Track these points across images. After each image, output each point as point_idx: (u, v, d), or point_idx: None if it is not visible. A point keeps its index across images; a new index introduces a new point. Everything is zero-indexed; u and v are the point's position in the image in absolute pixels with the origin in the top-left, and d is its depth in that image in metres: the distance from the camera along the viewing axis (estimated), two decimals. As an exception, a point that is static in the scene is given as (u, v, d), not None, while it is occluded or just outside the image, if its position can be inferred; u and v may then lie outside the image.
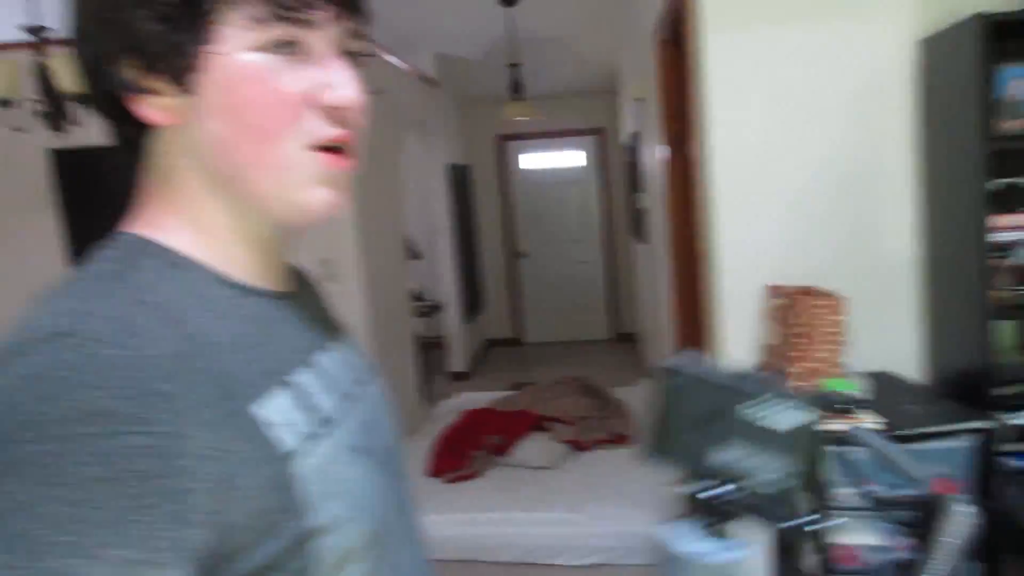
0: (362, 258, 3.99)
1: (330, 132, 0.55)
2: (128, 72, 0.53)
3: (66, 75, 2.47)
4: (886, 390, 1.97)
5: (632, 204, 5.82)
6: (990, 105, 1.78)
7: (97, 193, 3.74)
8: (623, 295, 7.39)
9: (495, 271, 7.50)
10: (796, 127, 2.14)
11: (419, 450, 4.04)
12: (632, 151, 5.41)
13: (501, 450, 3.89)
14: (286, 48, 0.54)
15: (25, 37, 2.66)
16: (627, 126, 5.74)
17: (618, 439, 4.08)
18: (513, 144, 7.36)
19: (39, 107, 2.63)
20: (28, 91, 2.72)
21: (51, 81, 2.56)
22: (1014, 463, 1.80)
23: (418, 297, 6.54)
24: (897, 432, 1.71)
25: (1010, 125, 1.79)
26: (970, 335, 1.84)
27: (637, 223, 5.52)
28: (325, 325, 0.69)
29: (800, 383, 1.95)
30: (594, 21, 5.33)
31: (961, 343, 1.91)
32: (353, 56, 0.58)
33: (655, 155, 3.76)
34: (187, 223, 0.57)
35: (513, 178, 7.41)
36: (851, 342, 2.16)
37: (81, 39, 0.55)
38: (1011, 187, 1.88)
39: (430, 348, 6.95)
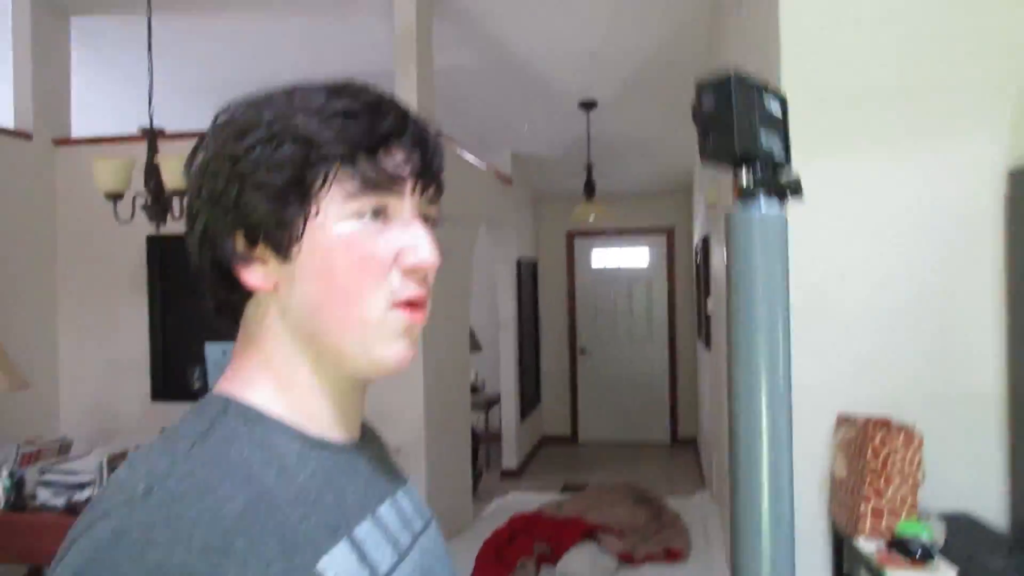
0: (426, 352, 4.01)
1: (411, 291, 0.60)
2: (238, 244, 0.59)
3: (172, 173, 2.64)
4: (964, 536, 1.81)
5: (700, 307, 5.73)
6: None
7: (182, 278, 3.90)
8: (684, 399, 7.19)
9: (556, 367, 7.44)
10: (876, 252, 2.08)
11: (466, 553, 3.92)
12: (703, 254, 5.36)
13: (549, 559, 3.73)
14: (375, 216, 0.59)
15: (139, 134, 2.86)
16: (698, 228, 5.72)
17: (671, 555, 3.87)
18: (583, 240, 7.42)
19: (145, 200, 2.81)
20: (137, 184, 2.92)
21: (159, 178, 2.74)
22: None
23: (475, 389, 6.51)
24: (981, 590, 1.55)
25: (1106, 262, 1.69)
26: (1064, 485, 1.69)
27: (704, 327, 5.41)
28: (387, 473, 0.71)
29: (871, 523, 1.81)
30: (669, 124, 5.42)
31: (1054, 492, 1.75)
32: (429, 220, 0.64)
33: (723, 261, 3.71)
34: (271, 379, 0.61)
35: (580, 274, 7.43)
36: (928, 480, 2.02)
37: (196, 214, 0.61)
38: (1109, 327, 1.75)
39: (485, 443, 6.86)
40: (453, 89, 5.10)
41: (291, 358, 0.61)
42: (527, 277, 6.80)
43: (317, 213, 0.58)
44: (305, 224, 0.58)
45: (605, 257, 7.43)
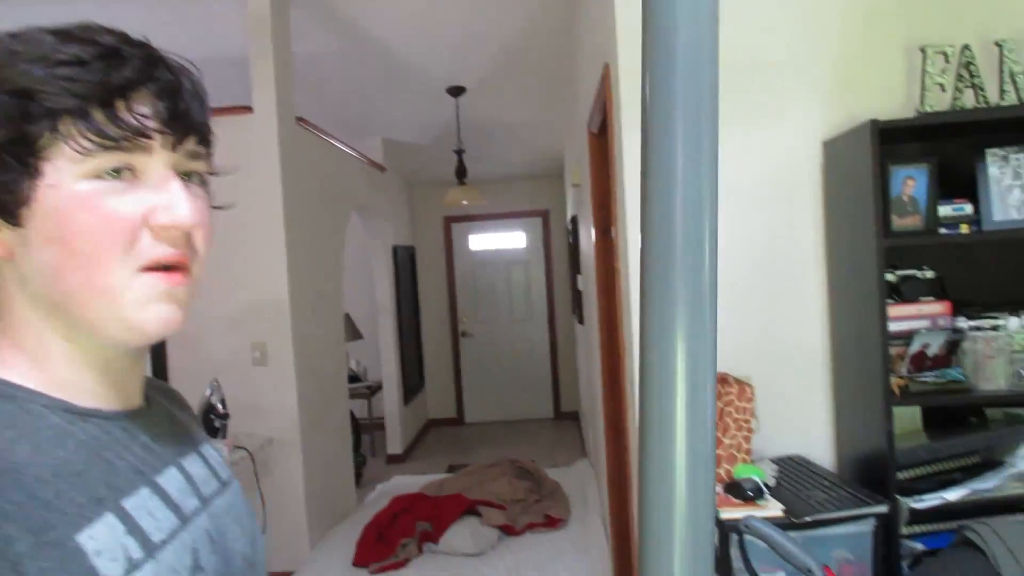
0: (297, 341, 3.94)
1: (161, 252, 0.56)
2: None
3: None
4: (795, 476, 2.00)
5: (575, 286, 5.92)
6: (885, 203, 1.89)
7: None
8: (565, 375, 7.41)
9: (439, 351, 7.47)
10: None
11: (348, 538, 3.91)
12: (573, 234, 5.53)
13: (430, 537, 3.78)
14: (117, 174, 0.55)
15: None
16: (569, 209, 5.89)
17: (551, 522, 4.01)
18: (461, 226, 7.46)
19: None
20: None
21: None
22: (917, 546, 1.82)
23: (357, 378, 6.45)
24: (797, 519, 1.72)
25: (903, 222, 1.89)
26: (872, 421, 1.89)
27: (577, 304, 5.59)
28: (174, 437, 0.68)
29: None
30: (539, 110, 5.54)
31: (864, 429, 1.95)
32: (194, 176, 0.60)
33: (588, 239, 3.86)
34: (22, 352, 0.57)
35: (459, 259, 7.48)
36: (764, 427, 2.21)
37: None
38: (907, 279, 1.97)
39: (368, 430, 6.81)
40: (318, 75, 5.00)
41: (40, 329, 0.57)
42: (405, 263, 6.78)
43: (43, 174, 0.53)
44: (32, 186, 0.53)
45: (483, 241, 7.51)
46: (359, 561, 3.62)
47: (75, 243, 0.53)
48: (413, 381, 6.81)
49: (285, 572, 3.77)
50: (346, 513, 4.53)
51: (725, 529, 1.77)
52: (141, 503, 0.56)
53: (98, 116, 0.53)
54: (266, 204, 3.87)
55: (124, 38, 0.56)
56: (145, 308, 0.56)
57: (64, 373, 0.58)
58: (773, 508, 1.79)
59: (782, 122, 2.20)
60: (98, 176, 0.54)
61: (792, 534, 1.77)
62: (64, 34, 0.54)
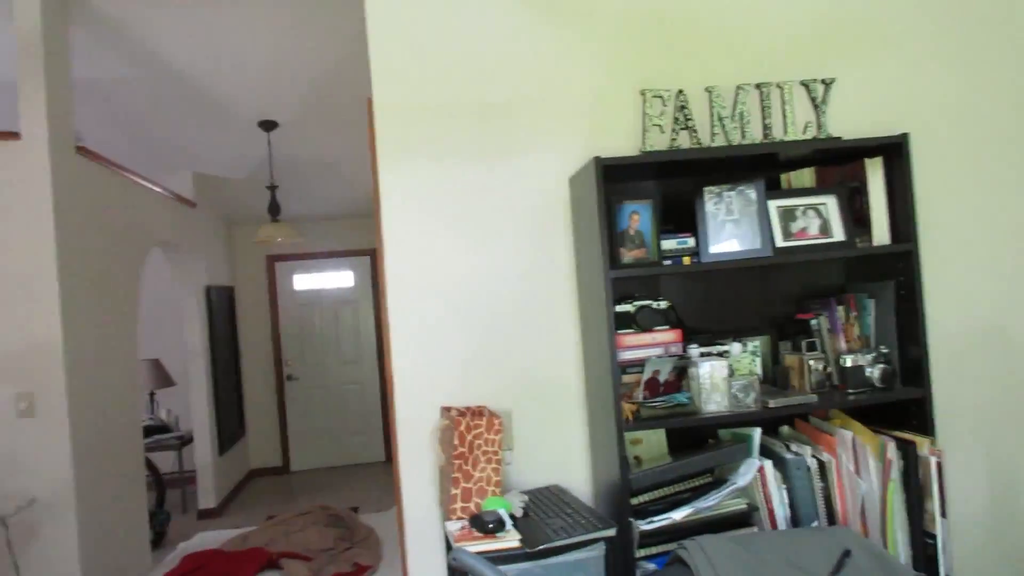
0: (73, 390, 3.60)
1: None
2: None
3: None
4: (545, 505, 2.02)
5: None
6: (612, 236, 1.98)
7: None
8: (397, 417, 7.28)
9: (262, 396, 7.12)
10: (470, 252, 2.25)
11: (131, 604, 3.57)
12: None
13: (223, 596, 3.53)
14: None
15: None
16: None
17: (359, 570, 3.86)
18: (285, 265, 7.21)
19: None
20: None
21: None
22: (650, 567, 1.88)
23: (166, 428, 6.01)
24: (531, 548, 1.73)
25: (632, 254, 1.99)
26: (611, 447, 1.95)
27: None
28: None
29: (461, 505, 1.94)
30: (356, 147, 5.48)
31: (607, 455, 2.01)
32: None
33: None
34: None
35: (283, 299, 7.21)
36: (526, 459, 2.23)
37: None
38: (642, 308, 2.07)
39: (179, 484, 6.34)
40: (117, 105, 4.71)
41: None
42: (222, 304, 6.44)
43: None
44: None
45: (309, 281, 7.30)
46: (137, 630, 3.31)
47: None
48: (231, 429, 6.43)
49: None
50: (138, 577, 4.15)
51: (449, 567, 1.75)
52: None
53: None
54: (35, 239, 3.54)
55: None
56: None
57: None
58: (511, 539, 1.79)
59: (537, 157, 2.27)
60: None
61: (529, 564, 1.78)
62: None
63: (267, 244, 6.80)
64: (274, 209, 5.32)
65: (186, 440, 5.97)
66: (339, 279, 7.33)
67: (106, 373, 4.03)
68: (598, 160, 1.88)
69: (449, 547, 2.15)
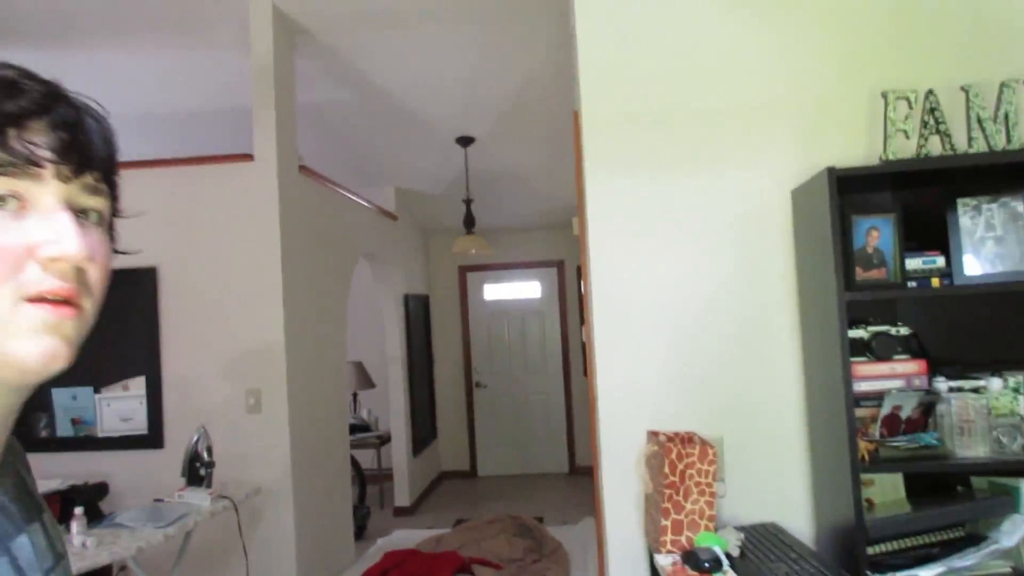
0: (292, 388, 3.91)
1: (49, 284, 0.54)
2: None
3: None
4: (763, 546, 1.86)
5: (581, 337, 5.82)
6: (847, 254, 1.79)
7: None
8: (581, 428, 7.25)
9: (452, 401, 7.38)
10: (679, 269, 2.15)
11: (336, 593, 3.81)
12: (579, 284, 5.46)
13: (419, 596, 3.66)
14: (3, 202, 0.53)
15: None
16: (575, 259, 5.83)
17: (547, 586, 3.85)
18: (476, 275, 7.44)
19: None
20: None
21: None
22: (887, 632, 1.67)
23: (367, 428, 6.39)
24: (752, 595, 1.59)
25: (868, 274, 1.79)
26: (842, 488, 1.76)
27: (584, 356, 5.49)
28: (24, 503, 0.64)
29: (672, 537, 1.84)
30: (549, 159, 5.54)
31: (836, 497, 1.82)
32: (89, 212, 0.59)
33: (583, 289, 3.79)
34: None
35: (473, 308, 7.44)
36: (738, 492, 2.08)
37: None
38: (879, 335, 1.85)
39: (376, 481, 6.71)
40: (328, 125, 5.09)
41: None
42: (418, 312, 6.75)
43: None
44: None
45: (498, 291, 7.47)
46: (343, 620, 3.51)
47: None
48: (424, 432, 6.72)
49: (270, 628, 3.67)
50: (343, 567, 4.42)
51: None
52: (21, 549, 0.56)
53: None
54: (264, 250, 3.89)
55: (26, 73, 0.57)
56: (28, 340, 0.53)
57: None
58: (729, 581, 1.66)
59: (755, 168, 2.12)
60: None
61: (749, 611, 1.64)
62: None
63: (464, 255, 7.05)
64: (469, 222, 5.48)
65: (384, 439, 6.31)
66: (527, 290, 7.43)
67: (319, 374, 4.34)
68: (831, 171, 1.71)
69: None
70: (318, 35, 3.99)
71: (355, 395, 6.59)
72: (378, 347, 6.89)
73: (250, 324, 3.89)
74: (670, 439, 1.91)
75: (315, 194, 4.43)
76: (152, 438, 3.93)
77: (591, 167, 2.16)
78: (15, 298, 0.53)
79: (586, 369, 5.15)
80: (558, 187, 6.09)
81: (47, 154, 0.54)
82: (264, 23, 3.81)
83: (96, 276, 0.58)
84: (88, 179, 0.58)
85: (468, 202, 5.50)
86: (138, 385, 3.97)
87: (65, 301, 0.55)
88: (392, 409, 6.13)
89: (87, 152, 0.57)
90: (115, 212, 0.62)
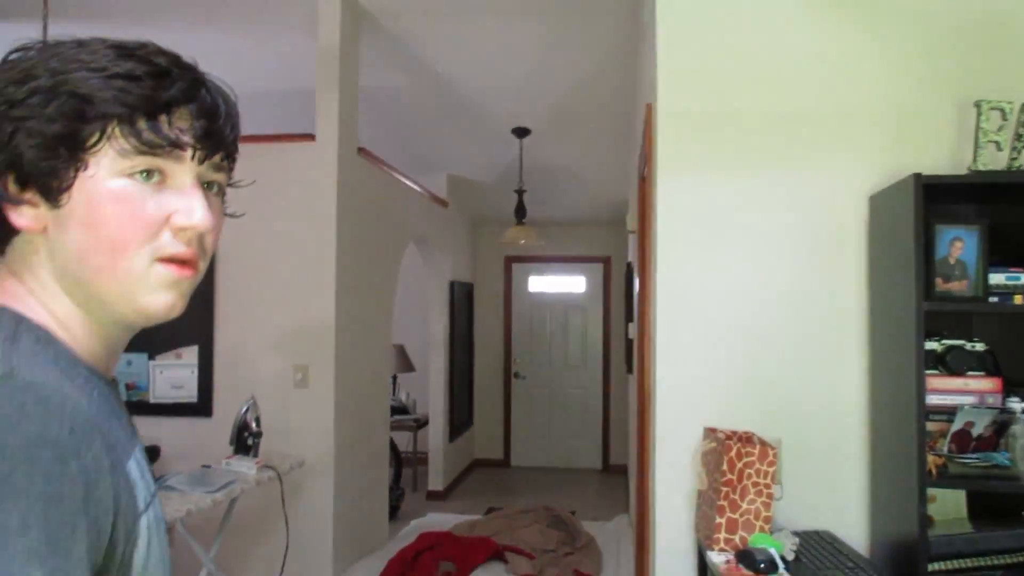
0: (339, 366, 3.96)
1: (177, 248, 0.65)
2: (9, 185, 0.62)
3: None
4: (817, 553, 1.84)
5: (627, 334, 5.79)
6: (928, 264, 1.75)
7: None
8: (617, 427, 7.22)
9: (490, 390, 7.41)
10: (745, 271, 2.13)
11: (372, 573, 3.85)
12: (628, 281, 5.43)
13: (453, 579, 3.69)
14: (148, 176, 0.63)
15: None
16: (628, 256, 5.80)
17: (579, 579, 3.85)
18: (521, 266, 7.45)
19: None
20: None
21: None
22: (947, 650, 1.64)
23: (405, 410, 6.45)
24: (811, 601, 1.58)
25: (948, 286, 1.75)
26: (905, 502, 1.73)
27: (629, 353, 5.46)
28: (132, 424, 0.74)
29: (725, 535, 1.83)
30: (604, 155, 5.52)
31: (897, 509, 1.79)
32: (214, 186, 0.69)
33: (637, 286, 3.77)
34: (48, 313, 0.65)
35: (517, 299, 7.46)
36: (792, 497, 2.06)
37: None
38: (953, 349, 1.82)
39: (411, 464, 6.78)
40: (387, 109, 5.13)
41: (62, 296, 0.65)
42: (462, 299, 6.79)
43: (87, 167, 0.61)
44: (76, 175, 0.61)
45: (542, 284, 7.47)
46: (378, 596, 3.56)
47: (103, 230, 0.62)
48: (461, 418, 6.76)
49: (307, 598, 3.74)
50: (376, 545, 4.48)
51: (728, 603, 1.64)
52: (140, 455, 0.66)
53: (142, 125, 0.62)
54: (321, 228, 3.94)
55: (175, 60, 0.66)
56: (155, 293, 0.65)
57: (81, 337, 0.66)
58: (785, 586, 1.64)
59: (829, 173, 2.09)
60: (131, 175, 0.63)
61: (804, 617, 1.63)
62: (123, 50, 0.64)
63: (512, 245, 7.07)
64: (520, 212, 5.49)
65: (421, 423, 6.37)
66: (572, 284, 7.43)
67: (365, 354, 4.39)
68: (918, 178, 1.68)
69: (704, 572, 2.05)
70: (382, 20, 4.02)
71: (395, 377, 6.66)
72: (420, 331, 6.95)
73: (302, 301, 3.95)
74: (729, 437, 1.90)
75: (371, 176, 4.48)
76: (202, 406, 4.02)
77: (664, 161, 2.14)
78: (150, 259, 0.64)
79: (630, 366, 5.13)
80: (609, 183, 6.06)
81: (190, 139, 0.64)
82: (332, 6, 3.85)
83: (210, 241, 0.69)
84: (216, 159, 0.68)
85: (520, 192, 5.51)
86: (191, 354, 4.07)
87: (187, 263, 0.66)
88: (432, 393, 6.18)
89: (220, 137, 0.67)
90: (229, 182, 0.73)
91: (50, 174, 0.61)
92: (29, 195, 0.62)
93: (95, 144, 0.61)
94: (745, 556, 1.72)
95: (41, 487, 0.51)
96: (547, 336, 7.40)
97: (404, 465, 6.41)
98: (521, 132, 5.29)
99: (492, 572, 3.69)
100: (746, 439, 1.95)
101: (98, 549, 0.55)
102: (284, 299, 3.96)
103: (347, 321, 4.10)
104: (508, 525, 4.40)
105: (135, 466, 0.63)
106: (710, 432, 2.03)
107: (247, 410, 3.48)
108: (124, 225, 0.62)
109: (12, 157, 0.61)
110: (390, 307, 4.88)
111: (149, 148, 0.62)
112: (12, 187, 0.62)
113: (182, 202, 0.65)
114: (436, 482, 6.20)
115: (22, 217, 0.63)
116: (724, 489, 1.84)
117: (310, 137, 3.95)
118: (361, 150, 4.27)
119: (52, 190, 0.61)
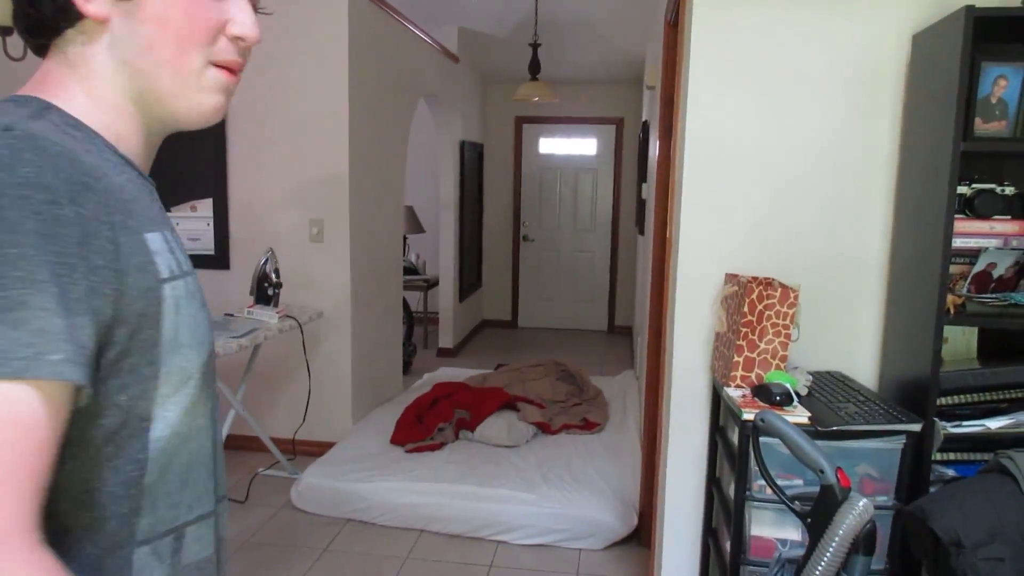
0: (353, 221, 3.97)
1: (231, 56, 0.71)
2: None
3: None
4: (829, 389, 1.92)
5: (639, 195, 5.76)
6: (970, 102, 1.71)
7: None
8: (623, 289, 7.33)
9: (498, 252, 7.47)
10: (776, 115, 2.08)
11: (389, 418, 4.03)
12: (643, 140, 5.34)
13: (467, 425, 3.87)
14: None
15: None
16: (643, 115, 5.67)
17: (587, 425, 4.04)
18: (532, 127, 7.31)
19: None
20: None
21: None
22: (948, 472, 1.74)
23: (415, 271, 6.53)
24: (823, 427, 1.66)
25: (987, 127, 1.72)
26: (922, 339, 1.78)
27: (640, 214, 5.46)
28: (163, 211, 0.78)
29: (743, 373, 1.90)
30: (622, 7, 5.26)
31: (913, 347, 1.84)
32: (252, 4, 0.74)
33: (654, 143, 3.70)
34: (93, 100, 0.68)
35: (527, 161, 7.36)
36: (807, 340, 2.11)
37: None
38: (983, 193, 1.81)
39: (421, 323, 6.95)
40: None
41: (114, 87, 0.68)
42: (472, 160, 6.70)
43: None
44: None
45: (553, 145, 7.35)
46: (396, 439, 3.75)
47: (172, 26, 0.67)
48: (470, 279, 6.86)
49: (326, 442, 3.94)
50: (390, 396, 4.67)
51: (745, 429, 1.72)
52: (172, 238, 0.70)
53: None
54: (332, 80, 3.83)
55: None
56: (208, 94, 0.71)
57: (123, 134, 0.70)
58: (800, 415, 1.72)
59: (872, 10, 2.00)
60: None
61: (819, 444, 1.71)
62: None
63: (523, 104, 6.89)
64: (534, 67, 5.31)
65: (431, 284, 6.47)
66: (583, 146, 7.30)
67: (379, 211, 4.39)
68: (970, 9, 1.60)
69: (716, 413, 2.14)
70: None
71: (404, 238, 6.69)
72: (430, 192, 6.92)
73: (315, 154, 3.91)
74: (751, 281, 1.93)
75: (383, 26, 4.30)
76: (219, 259, 4.07)
77: (700, 3, 2.05)
78: (205, 61, 0.69)
79: (642, 228, 5.13)
80: (624, 38, 5.82)
81: None
82: None
83: (248, 51, 0.74)
84: None
85: (535, 46, 5.30)
86: (206, 207, 4.07)
87: (234, 71, 0.72)
88: (442, 254, 6.23)
89: None
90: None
91: None
92: None
93: None
94: (761, 390, 1.80)
95: (33, 224, 0.54)
96: (556, 199, 7.37)
97: (415, 324, 6.57)
98: (535, -21, 5.02)
99: (505, 419, 3.86)
100: (768, 283, 1.98)
101: (104, 296, 0.58)
102: (297, 153, 3.91)
103: (361, 175, 4.07)
104: (519, 378, 4.57)
105: (160, 239, 0.66)
106: (732, 277, 2.06)
107: (266, 261, 3.53)
108: (193, 24, 0.67)
109: None
110: (402, 165, 4.83)
111: None
112: None
113: (239, 13, 0.71)
114: (446, 340, 6.38)
115: (93, 4, 0.65)
116: (744, 330, 1.89)
117: (319, -21, 3.75)
118: (371, -4, 4.07)
119: None
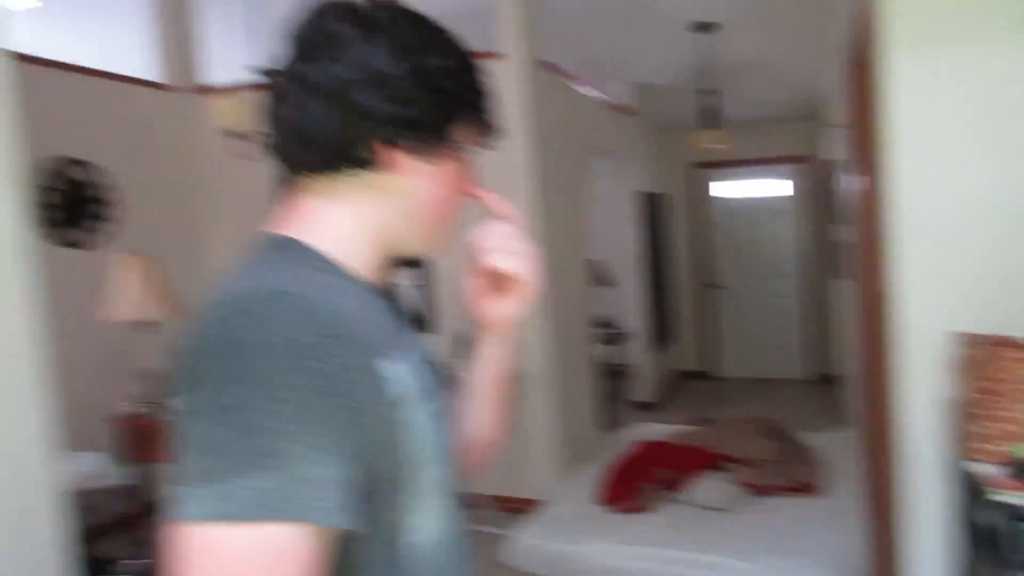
0: (547, 282, 4.05)
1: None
2: (406, 134, 0.74)
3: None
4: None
5: (827, 237, 5.43)
6: None
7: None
8: (823, 334, 6.86)
9: (688, 302, 7.30)
10: (1001, 156, 1.90)
11: (590, 477, 4.03)
12: (829, 180, 5.04)
13: (673, 486, 3.77)
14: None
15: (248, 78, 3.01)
16: (825, 153, 5.37)
17: (802, 487, 3.79)
18: (707, 172, 7.16)
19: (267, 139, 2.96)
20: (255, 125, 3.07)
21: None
22: None
23: (606, 324, 6.54)
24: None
25: None
26: None
27: (831, 257, 5.13)
28: (410, 329, 0.86)
29: (985, 446, 1.71)
30: (793, 44, 5.07)
31: None
32: None
33: (849, 184, 3.50)
34: (344, 235, 0.75)
35: (707, 207, 7.20)
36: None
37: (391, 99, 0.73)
38: None
39: (614, 376, 6.90)
40: (565, 17, 5.00)
41: (367, 226, 0.76)
42: (652, 210, 6.65)
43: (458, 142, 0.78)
44: (454, 145, 0.77)
45: (734, 188, 7.13)
46: (604, 500, 3.73)
47: (452, 191, 0.80)
48: (663, 330, 6.75)
49: (525, 498, 4.00)
50: (589, 453, 4.66)
51: (1009, 515, 1.55)
52: (415, 359, 0.74)
53: (486, 115, 0.81)
54: (516, 146, 3.92)
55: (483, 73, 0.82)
56: (443, 244, 0.82)
57: (365, 259, 0.77)
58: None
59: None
60: (469, 151, 0.82)
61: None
62: (474, 68, 0.80)
63: (695, 150, 6.79)
64: (712, 115, 5.23)
65: (621, 336, 6.44)
66: (763, 187, 7.03)
67: (563, 268, 4.46)
68: None
69: (970, 489, 1.94)
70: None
71: (595, 292, 6.74)
72: (610, 246, 6.94)
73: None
74: (994, 341, 1.75)
75: (558, 90, 4.43)
76: (424, 321, 4.32)
77: (897, 40, 1.93)
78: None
79: (837, 271, 4.81)
80: (800, 76, 5.58)
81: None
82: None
83: None
84: None
85: (708, 93, 5.22)
86: (418, 276, 4.32)
87: None
88: (631, 307, 6.21)
89: None
90: None
91: (437, 132, 0.75)
92: (415, 145, 0.74)
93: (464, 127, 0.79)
94: (1009, 467, 1.61)
95: (290, 379, 0.60)
96: (742, 244, 7.11)
97: (609, 378, 6.55)
98: (703, 27, 4.95)
99: (712, 480, 3.73)
100: (1000, 343, 1.78)
101: (352, 436, 0.63)
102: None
103: (544, 238, 4.08)
104: (724, 436, 4.39)
105: (396, 364, 0.69)
106: (967, 337, 1.87)
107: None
108: (450, 212, 0.81)
109: (437, 112, 0.75)
110: (582, 221, 4.89)
111: (487, 135, 0.83)
112: (409, 136, 0.74)
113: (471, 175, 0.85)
114: (643, 394, 6.30)
115: (393, 158, 0.74)
116: (984, 397, 1.71)
117: (496, 55, 3.89)
118: (543, 63, 4.22)
119: (435, 146, 0.75)
